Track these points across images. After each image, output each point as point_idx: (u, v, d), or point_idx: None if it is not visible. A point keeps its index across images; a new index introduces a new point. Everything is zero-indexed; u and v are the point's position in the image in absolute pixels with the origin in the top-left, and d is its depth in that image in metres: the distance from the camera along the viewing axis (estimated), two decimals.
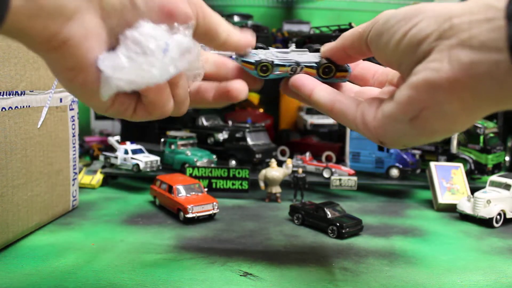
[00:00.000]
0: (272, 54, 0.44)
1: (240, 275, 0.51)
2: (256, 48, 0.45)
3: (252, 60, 0.42)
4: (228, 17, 1.17)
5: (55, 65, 0.31)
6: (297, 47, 0.49)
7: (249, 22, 1.10)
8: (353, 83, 0.47)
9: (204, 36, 0.36)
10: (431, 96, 0.30)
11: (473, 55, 0.27)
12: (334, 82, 0.44)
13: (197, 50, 0.34)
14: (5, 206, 0.57)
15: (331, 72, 0.43)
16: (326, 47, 0.44)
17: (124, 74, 0.31)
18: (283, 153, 1.16)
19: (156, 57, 0.31)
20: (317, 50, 0.46)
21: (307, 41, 1.05)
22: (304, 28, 1.21)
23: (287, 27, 1.21)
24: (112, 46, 0.32)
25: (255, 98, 1.32)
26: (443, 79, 0.29)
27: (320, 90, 0.40)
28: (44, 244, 0.60)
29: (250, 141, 1.04)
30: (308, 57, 0.44)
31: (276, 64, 0.43)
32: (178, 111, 0.38)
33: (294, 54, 0.45)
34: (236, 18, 1.16)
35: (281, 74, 0.43)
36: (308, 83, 0.41)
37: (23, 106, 0.60)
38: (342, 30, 1.07)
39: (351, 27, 1.06)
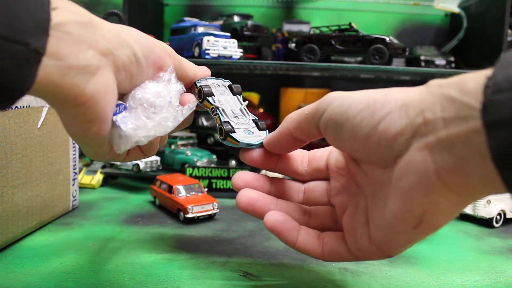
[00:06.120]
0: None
1: (240, 275, 0.51)
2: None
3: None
4: (228, 17, 1.17)
5: (73, 118, 0.34)
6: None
7: (249, 22, 1.10)
8: (281, 173, 0.46)
9: (179, 79, 0.44)
10: (427, 200, 0.29)
11: (456, 155, 0.26)
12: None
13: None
14: (5, 206, 0.57)
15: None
16: (267, 140, 0.43)
17: (146, 132, 0.37)
18: None
19: (168, 111, 0.38)
20: (236, 92, 0.51)
21: (307, 41, 1.05)
22: (304, 28, 1.20)
23: (287, 27, 1.21)
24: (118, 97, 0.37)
25: (255, 98, 1.32)
26: (434, 180, 0.28)
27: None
28: (44, 244, 0.60)
29: None
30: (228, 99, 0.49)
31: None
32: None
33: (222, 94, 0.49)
34: (236, 18, 1.16)
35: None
36: (288, 233, 0.42)
37: (23, 106, 0.60)
38: (342, 30, 1.06)
39: (351, 27, 1.06)
